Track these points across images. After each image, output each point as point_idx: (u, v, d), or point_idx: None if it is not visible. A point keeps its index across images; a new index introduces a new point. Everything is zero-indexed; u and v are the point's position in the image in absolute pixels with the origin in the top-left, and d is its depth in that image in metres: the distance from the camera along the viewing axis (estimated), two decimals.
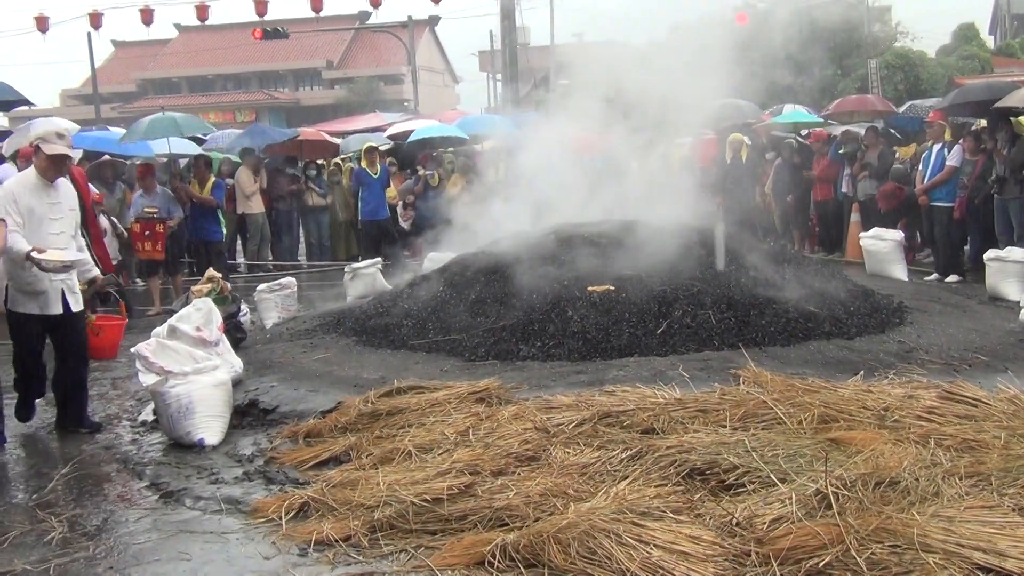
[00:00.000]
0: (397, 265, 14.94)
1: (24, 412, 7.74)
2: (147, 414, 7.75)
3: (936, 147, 13.45)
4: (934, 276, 13.01)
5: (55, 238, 7.25)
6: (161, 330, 7.83)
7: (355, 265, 13.09)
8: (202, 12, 27.21)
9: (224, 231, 15.35)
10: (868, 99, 17.42)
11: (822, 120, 18.69)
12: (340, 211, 18.53)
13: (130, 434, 7.43)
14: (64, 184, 7.51)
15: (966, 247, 13.52)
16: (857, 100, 17.36)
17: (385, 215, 16.84)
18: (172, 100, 54.12)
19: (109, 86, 58.16)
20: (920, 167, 13.70)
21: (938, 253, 13.40)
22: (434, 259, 12.81)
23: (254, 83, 62.28)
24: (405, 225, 17.91)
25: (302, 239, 19.40)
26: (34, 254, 6.94)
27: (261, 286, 11.73)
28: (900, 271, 12.60)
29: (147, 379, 6.95)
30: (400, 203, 17.70)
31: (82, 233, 8.30)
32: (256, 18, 36.84)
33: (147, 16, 26.59)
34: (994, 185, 12.44)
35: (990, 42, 44.51)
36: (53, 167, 7.28)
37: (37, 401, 7.87)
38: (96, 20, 25.27)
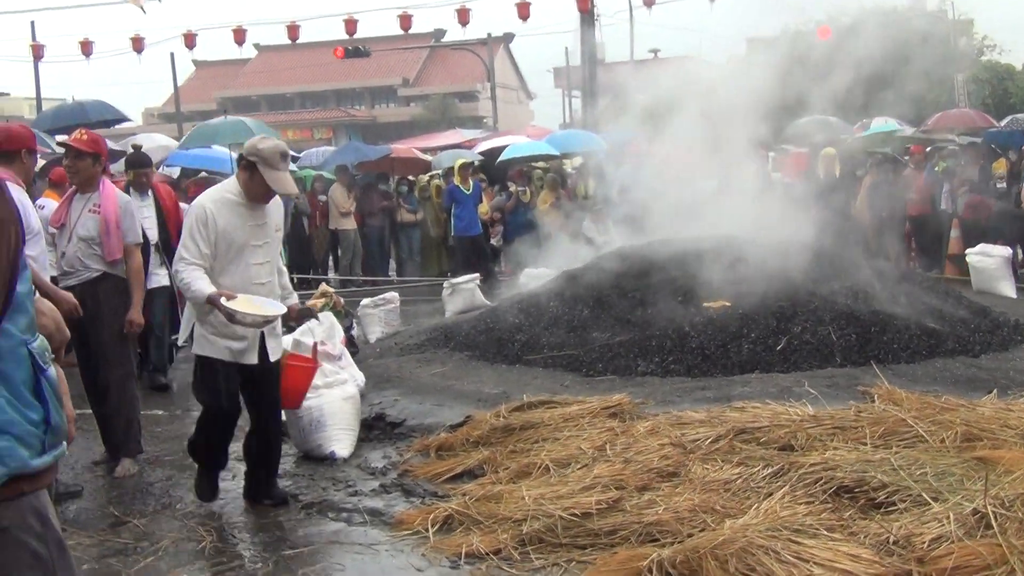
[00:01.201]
0: (490, 281, 15.02)
1: (208, 488, 6.16)
2: None
3: None
4: None
5: (257, 270, 5.82)
6: (287, 343, 7.96)
7: (454, 280, 13.18)
8: (292, 32, 27.63)
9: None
10: (968, 113, 17.18)
11: (915, 133, 18.46)
12: (431, 227, 18.68)
13: None
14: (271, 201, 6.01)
15: None
16: (958, 115, 17.14)
17: (478, 231, 16.93)
18: (252, 118, 54.94)
19: (190, 105, 59.18)
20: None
21: None
22: (531, 275, 12.87)
23: (331, 101, 63.05)
24: (494, 241, 18.02)
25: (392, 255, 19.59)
26: (224, 302, 5.46)
27: (365, 301, 11.86)
28: (1008, 288, 12.38)
29: None
30: (489, 219, 17.80)
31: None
32: (335, 37, 37.34)
33: (239, 36, 27.06)
34: None
35: None
36: (265, 194, 5.82)
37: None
38: (190, 40, 25.82)
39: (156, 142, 18.16)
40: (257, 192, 5.77)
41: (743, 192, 13.38)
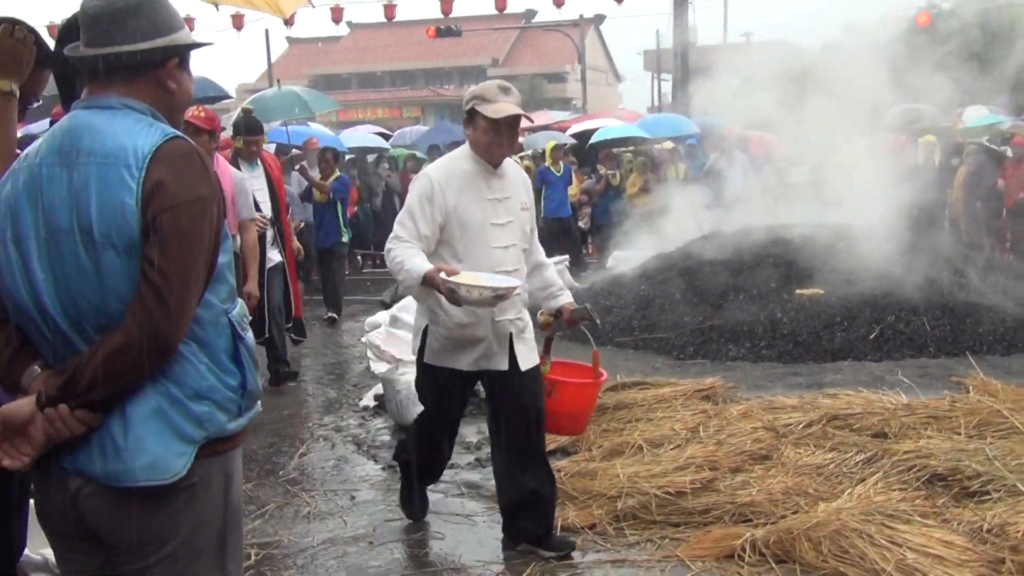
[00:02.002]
0: (578, 263, 15.11)
1: (419, 505, 5.49)
2: (368, 399, 8.08)
3: None
4: None
5: (501, 255, 4.69)
6: (383, 319, 8.18)
7: None
8: (389, 11, 27.90)
9: (347, 235, 12.70)
10: None
11: (1019, 123, 18.07)
12: None
13: (355, 418, 7.76)
14: (511, 169, 4.94)
15: None
16: None
17: (567, 213, 17.02)
18: (342, 95, 55.53)
19: (282, 81, 60.06)
20: None
21: None
22: (619, 258, 12.96)
23: (420, 80, 63.49)
24: (582, 223, 18.11)
25: None
26: (444, 276, 4.27)
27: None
28: None
29: (378, 367, 7.25)
30: (577, 201, 17.88)
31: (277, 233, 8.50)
32: (425, 16, 37.55)
33: (337, 15, 27.45)
34: None
35: None
36: (500, 142, 4.68)
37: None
38: (290, 19, 26.17)
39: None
40: (487, 141, 4.63)
41: (836, 180, 13.32)
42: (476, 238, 4.66)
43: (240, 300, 2.69)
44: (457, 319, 4.62)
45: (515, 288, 4.38)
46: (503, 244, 4.72)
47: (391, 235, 4.66)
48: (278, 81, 17.04)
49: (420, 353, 4.94)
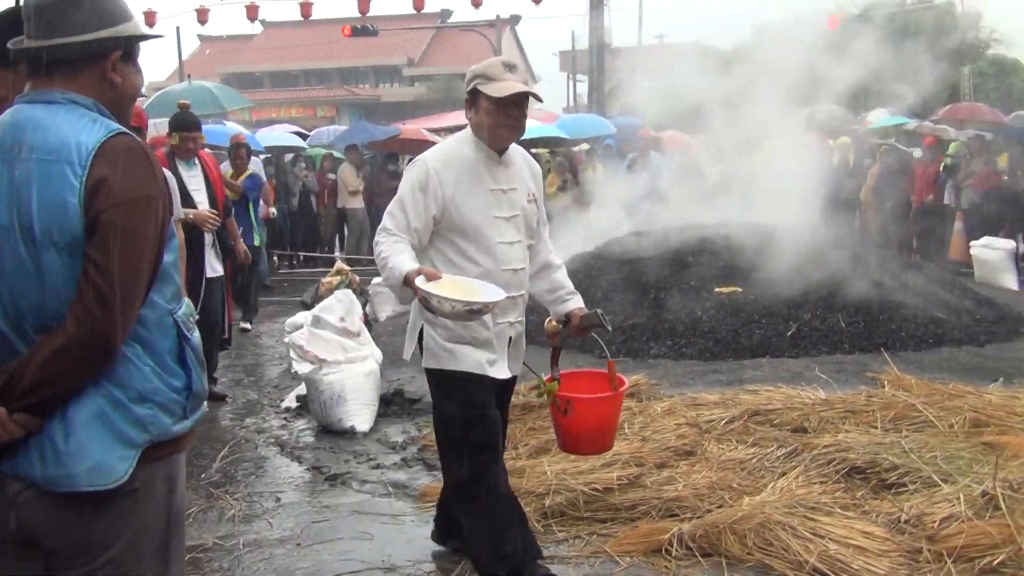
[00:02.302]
0: None
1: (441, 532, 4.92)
2: (290, 400, 8.02)
3: None
4: None
5: (506, 251, 4.27)
6: (305, 319, 8.13)
7: None
8: (305, 9, 27.72)
9: (260, 237, 11.76)
10: (980, 108, 17.33)
11: (922, 125, 18.57)
12: None
13: (277, 419, 7.70)
14: (518, 156, 4.46)
15: None
16: (969, 108, 17.27)
17: None
18: (255, 94, 54.93)
19: (194, 80, 59.19)
20: None
21: None
22: None
23: (335, 79, 62.99)
24: None
25: None
26: (421, 283, 3.83)
27: (376, 279, 11.96)
28: (1011, 280, 12.54)
29: (301, 367, 7.20)
30: None
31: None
32: (343, 15, 37.40)
33: (252, 12, 27.17)
34: None
35: None
36: (505, 124, 4.22)
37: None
38: (203, 15, 25.92)
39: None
40: (490, 124, 4.18)
41: (752, 180, 13.54)
42: (478, 233, 4.21)
43: (186, 300, 2.66)
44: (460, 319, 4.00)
45: (496, 303, 3.87)
46: (508, 240, 4.27)
47: (380, 226, 4.24)
48: (188, 76, 16.44)
49: (424, 358, 4.44)
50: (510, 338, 4.45)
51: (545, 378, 4.57)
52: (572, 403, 4.44)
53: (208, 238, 7.86)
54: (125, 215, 2.35)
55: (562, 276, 4.68)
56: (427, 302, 3.79)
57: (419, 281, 3.82)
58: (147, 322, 2.46)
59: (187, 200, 7.55)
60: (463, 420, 4.30)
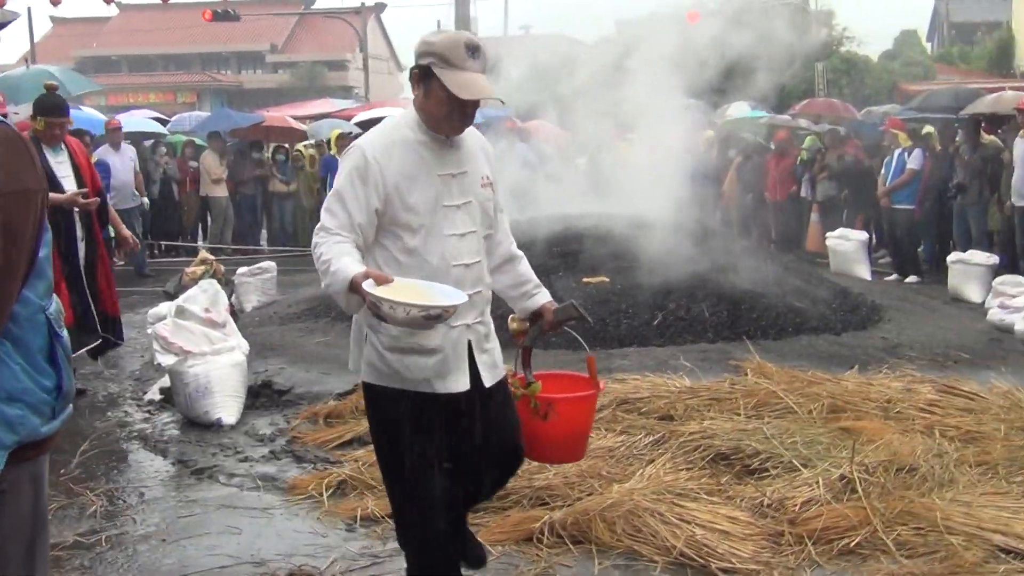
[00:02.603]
0: None
1: None
2: (153, 392, 7.84)
3: (897, 152, 13.92)
4: (894, 276, 13.46)
5: (457, 243, 3.73)
6: (168, 310, 7.94)
7: None
8: None
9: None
10: (834, 103, 17.93)
11: (775, 118, 19.13)
12: (304, 197, 18.56)
13: (140, 413, 7.51)
14: (469, 135, 3.89)
15: (919, 248, 14.04)
16: (824, 104, 17.85)
17: None
18: (112, 79, 53.36)
19: (47, 64, 57.15)
20: (883, 171, 14.15)
21: (897, 254, 13.88)
22: None
23: (196, 64, 61.57)
24: None
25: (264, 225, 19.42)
26: (370, 287, 3.31)
27: (241, 269, 11.78)
28: (864, 271, 13.03)
29: (165, 359, 7.03)
30: None
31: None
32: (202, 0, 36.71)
33: None
34: (953, 190, 12.95)
35: (928, 48, 45.65)
36: (459, 120, 3.73)
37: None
38: None
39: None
40: (440, 114, 3.69)
41: (617, 171, 13.75)
42: (425, 224, 3.67)
43: (56, 297, 2.57)
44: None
45: (455, 307, 3.38)
46: (460, 231, 3.74)
47: (317, 226, 3.64)
48: (26, 60, 15.46)
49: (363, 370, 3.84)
50: (469, 343, 3.80)
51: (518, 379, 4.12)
52: (553, 405, 4.04)
53: (79, 228, 7.42)
54: (3, 208, 2.27)
55: (526, 268, 4.21)
56: (377, 308, 3.27)
57: (367, 285, 3.30)
58: (19, 319, 2.38)
59: (55, 188, 7.09)
60: (409, 456, 3.74)
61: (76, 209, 7.33)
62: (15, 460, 2.40)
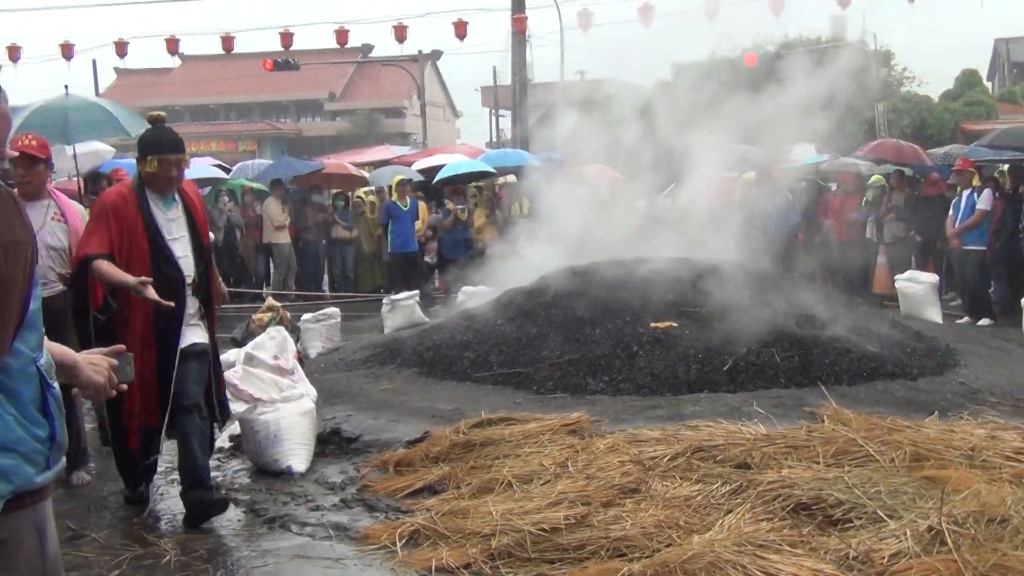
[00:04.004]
0: (425, 298, 15.05)
1: None
2: (223, 440, 7.82)
3: (966, 193, 13.69)
4: (966, 319, 13.19)
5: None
6: (237, 357, 7.95)
7: (394, 297, 13.24)
8: (227, 43, 27.40)
9: None
10: (903, 146, 17.70)
11: (842, 160, 18.92)
12: (365, 243, 18.69)
13: (211, 460, 7.47)
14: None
15: (990, 290, 13.77)
16: (895, 146, 17.63)
17: (414, 248, 17.01)
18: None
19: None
20: (951, 212, 13.93)
21: (967, 296, 13.61)
22: (469, 292, 12.96)
23: (256, 113, 62.55)
24: (428, 258, 18.10)
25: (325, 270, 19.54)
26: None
27: (306, 316, 11.82)
28: (935, 313, 12.76)
29: (235, 407, 7.02)
30: (423, 236, 17.85)
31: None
32: (265, 49, 37.18)
33: (172, 46, 26.77)
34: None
35: (988, 88, 45.16)
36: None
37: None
38: (121, 49, 25.48)
39: (91, 147, 17.79)
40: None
41: (678, 215, 13.67)
42: None
43: (46, 350, 2.59)
44: None
45: None
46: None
47: None
48: (66, 87, 12.53)
49: None
50: None
51: None
52: None
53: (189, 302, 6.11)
54: None
55: None
56: None
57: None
58: (10, 370, 2.42)
59: (162, 253, 5.92)
60: None
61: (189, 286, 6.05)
62: (14, 508, 2.43)
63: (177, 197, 6.09)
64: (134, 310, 5.90)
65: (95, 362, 2.83)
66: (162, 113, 6.23)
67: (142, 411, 6.05)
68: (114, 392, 2.86)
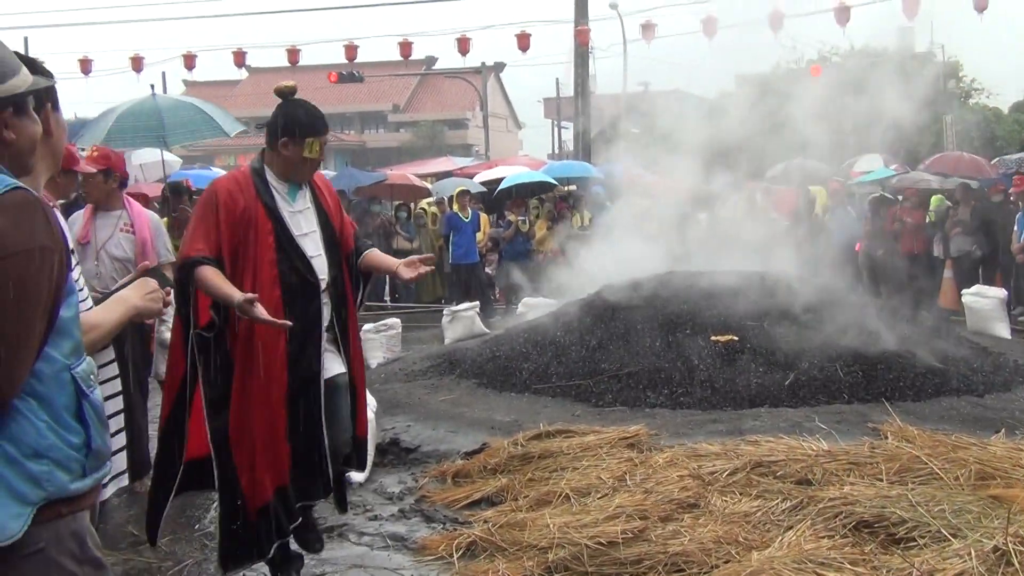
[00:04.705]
0: (486, 309, 15.09)
1: None
2: None
3: None
4: None
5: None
6: None
7: (454, 308, 13.30)
8: (292, 56, 27.79)
9: None
10: (964, 158, 17.47)
11: (904, 175, 18.70)
12: (426, 253, 18.75)
13: None
14: None
15: None
16: (955, 159, 17.40)
17: (475, 259, 17.05)
18: (242, 141, 55.04)
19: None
20: (1016, 227, 13.71)
21: None
22: (530, 304, 12.97)
23: None
24: (489, 270, 18.15)
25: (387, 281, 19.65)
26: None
27: (367, 326, 11.87)
28: (1003, 329, 12.52)
29: None
30: (484, 247, 17.90)
31: None
32: (330, 61, 37.57)
33: (239, 59, 27.18)
34: None
35: None
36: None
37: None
38: (190, 61, 25.91)
39: (156, 157, 18.09)
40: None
41: (741, 226, 13.59)
42: None
43: (87, 357, 2.62)
44: None
45: None
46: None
47: None
48: (152, 86, 12.23)
49: None
50: None
51: None
52: None
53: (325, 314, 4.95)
54: (18, 266, 2.33)
55: None
56: None
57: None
58: (42, 376, 2.44)
59: (297, 249, 4.80)
60: None
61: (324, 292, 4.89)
62: (51, 517, 2.44)
63: (304, 185, 4.96)
64: (255, 326, 4.54)
65: (144, 290, 3.06)
66: (292, 83, 5.10)
67: (269, 470, 4.73)
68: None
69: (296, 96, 5.07)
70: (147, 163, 17.34)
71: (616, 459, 6.47)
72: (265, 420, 4.68)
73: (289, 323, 4.48)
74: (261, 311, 4.35)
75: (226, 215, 4.68)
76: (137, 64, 25.25)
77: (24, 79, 2.54)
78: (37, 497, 2.40)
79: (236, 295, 4.38)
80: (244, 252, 4.70)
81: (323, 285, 4.87)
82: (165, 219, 9.68)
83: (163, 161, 15.21)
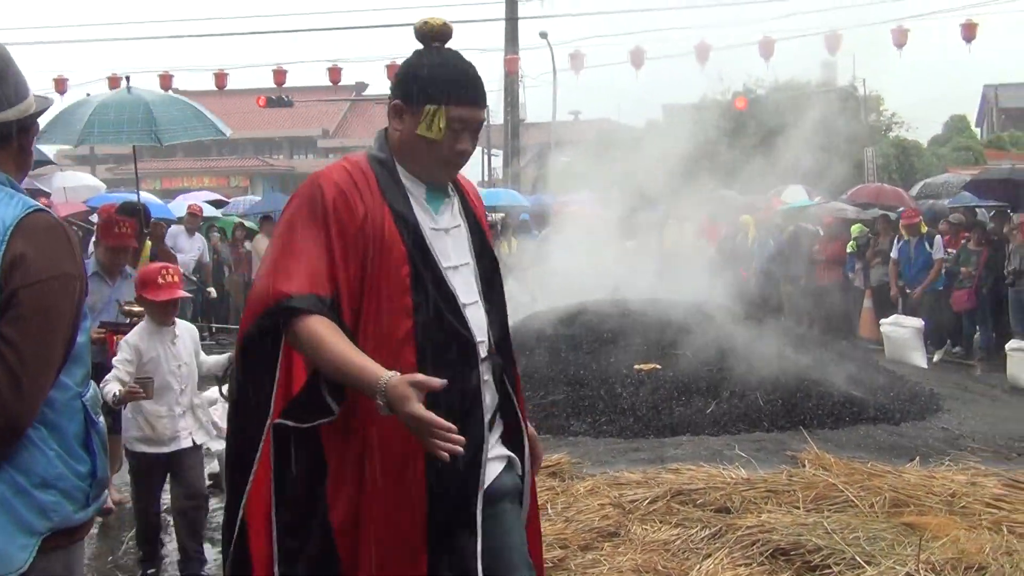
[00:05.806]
0: None
1: None
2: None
3: (915, 240, 13.96)
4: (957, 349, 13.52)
5: None
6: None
7: None
8: (220, 79, 27.63)
9: None
10: (884, 189, 17.86)
11: (830, 205, 19.04)
12: None
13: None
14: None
15: (975, 335, 13.88)
16: (876, 189, 17.77)
17: None
18: (167, 164, 54.53)
19: (104, 147, 58.35)
20: (895, 255, 14.17)
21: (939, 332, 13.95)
22: None
23: (249, 149, 62.70)
24: None
25: None
26: None
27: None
28: (920, 358, 12.78)
29: (215, 444, 6.98)
30: None
31: None
32: (259, 86, 37.35)
33: (166, 82, 26.98)
34: (1010, 276, 12.78)
35: (977, 134, 45.53)
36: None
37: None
38: (115, 83, 25.52)
39: (81, 181, 17.80)
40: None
41: (662, 257, 13.74)
42: None
43: (93, 384, 2.57)
44: None
45: None
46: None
47: None
48: (126, 78, 10.28)
49: None
50: None
51: None
52: None
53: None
54: (42, 293, 2.29)
55: None
56: None
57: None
58: (55, 404, 2.38)
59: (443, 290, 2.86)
60: None
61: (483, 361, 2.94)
62: (47, 549, 2.38)
63: (452, 190, 3.07)
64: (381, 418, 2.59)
65: None
66: (441, 19, 2.96)
67: None
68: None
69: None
70: (71, 187, 17.06)
71: (538, 488, 6.46)
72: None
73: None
74: (426, 412, 2.44)
75: (339, 231, 2.75)
76: (61, 86, 24.89)
77: (41, 100, 2.55)
78: (44, 528, 2.35)
79: (381, 373, 2.52)
80: (368, 294, 2.78)
81: (483, 351, 2.92)
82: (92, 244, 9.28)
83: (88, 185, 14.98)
